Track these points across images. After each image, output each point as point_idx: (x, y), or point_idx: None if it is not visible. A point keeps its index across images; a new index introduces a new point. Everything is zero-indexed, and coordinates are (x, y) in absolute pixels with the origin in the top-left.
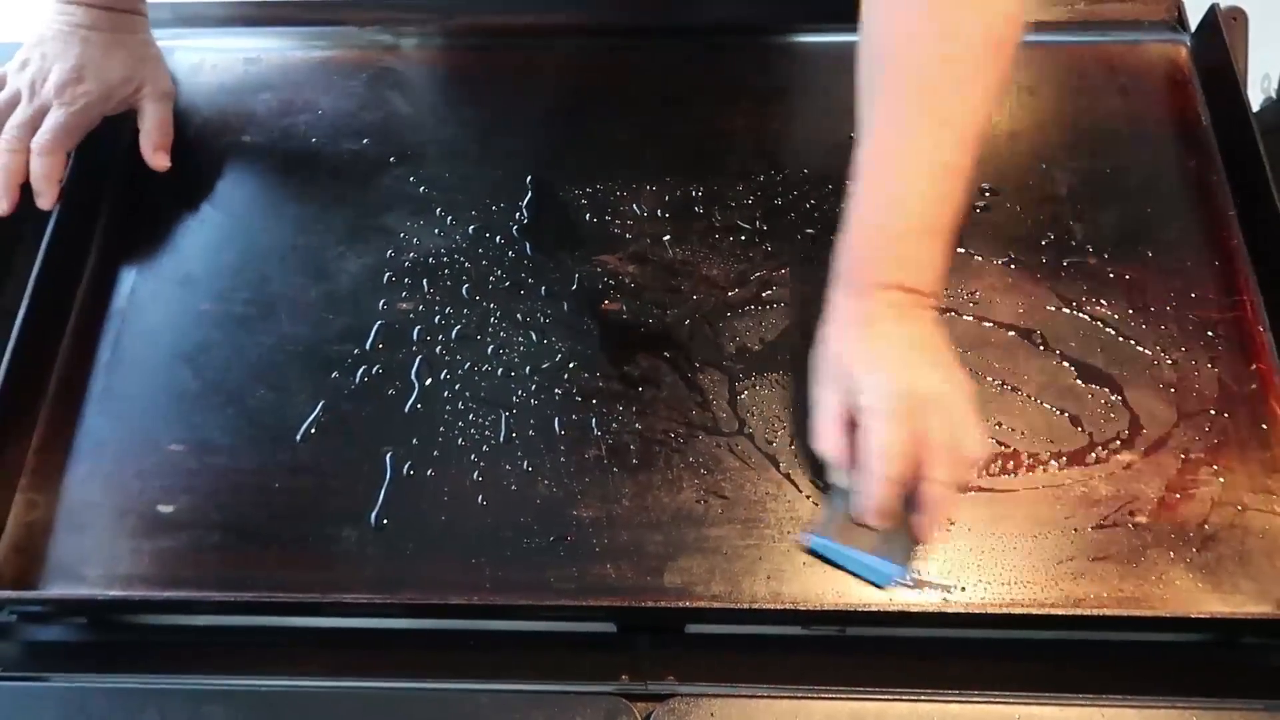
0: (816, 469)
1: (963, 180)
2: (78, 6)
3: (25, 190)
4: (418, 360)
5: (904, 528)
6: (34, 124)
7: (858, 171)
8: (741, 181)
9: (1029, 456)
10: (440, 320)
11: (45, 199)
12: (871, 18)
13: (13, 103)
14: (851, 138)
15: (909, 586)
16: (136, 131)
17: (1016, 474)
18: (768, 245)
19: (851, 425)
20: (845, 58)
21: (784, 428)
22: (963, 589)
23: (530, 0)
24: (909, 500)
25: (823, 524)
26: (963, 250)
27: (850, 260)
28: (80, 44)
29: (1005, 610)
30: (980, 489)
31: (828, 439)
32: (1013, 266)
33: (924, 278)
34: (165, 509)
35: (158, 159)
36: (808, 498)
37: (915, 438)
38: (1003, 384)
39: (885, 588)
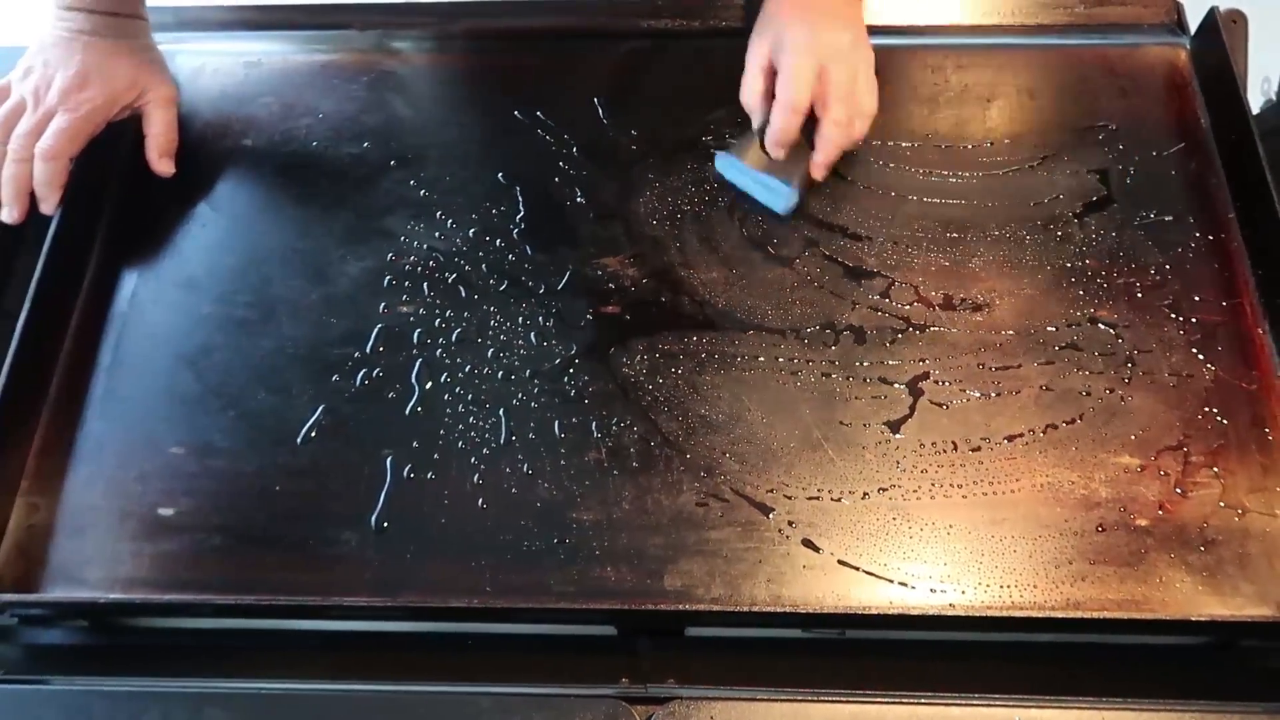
0: (817, 470)
1: None
2: (78, 13)
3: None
4: (418, 363)
5: (801, 163)
6: (39, 132)
7: None
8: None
9: (1029, 459)
10: (440, 323)
11: (48, 204)
12: None
13: (18, 111)
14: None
15: (790, 211)
16: (137, 135)
17: (1016, 476)
18: (769, 247)
19: (771, 75)
20: None
21: (785, 430)
22: (962, 592)
23: (530, 5)
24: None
25: (734, 149)
26: (963, 254)
27: None
28: (83, 50)
29: (1005, 613)
30: (981, 492)
31: (750, 84)
32: (1012, 269)
33: None
34: (166, 512)
35: (163, 164)
36: (810, 499)
37: (821, 78)
38: (1002, 386)
39: (779, 211)
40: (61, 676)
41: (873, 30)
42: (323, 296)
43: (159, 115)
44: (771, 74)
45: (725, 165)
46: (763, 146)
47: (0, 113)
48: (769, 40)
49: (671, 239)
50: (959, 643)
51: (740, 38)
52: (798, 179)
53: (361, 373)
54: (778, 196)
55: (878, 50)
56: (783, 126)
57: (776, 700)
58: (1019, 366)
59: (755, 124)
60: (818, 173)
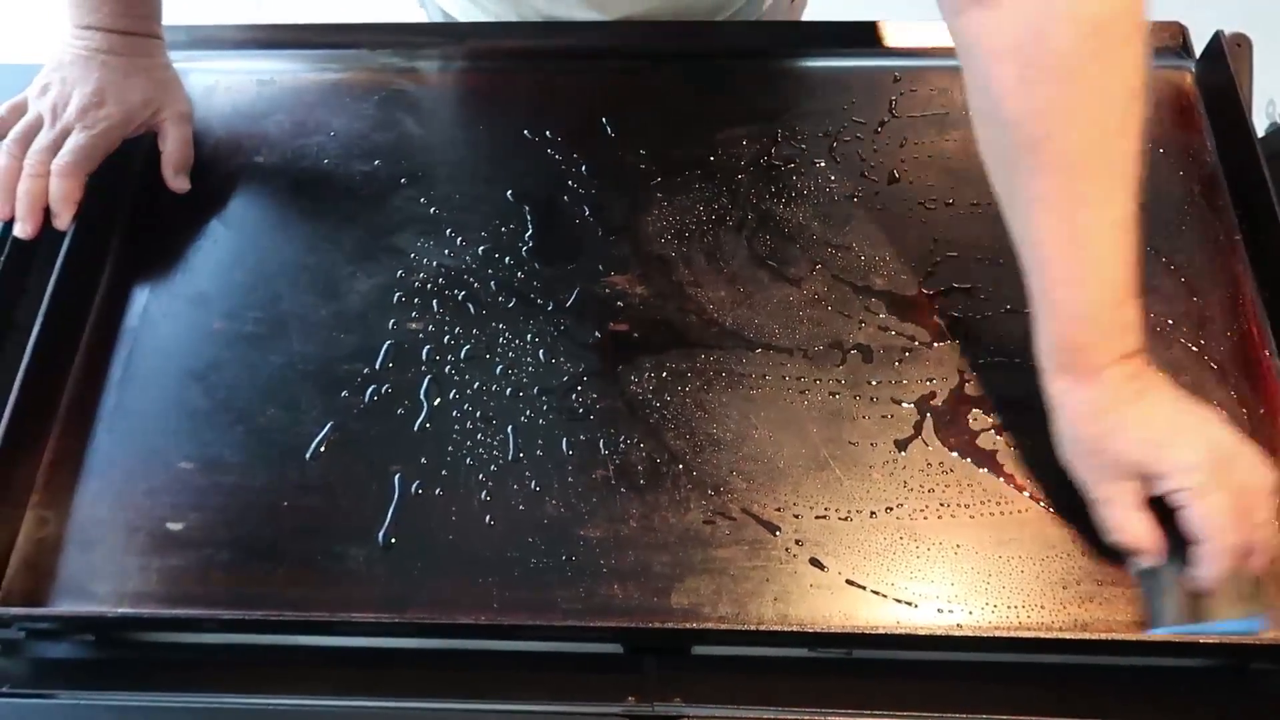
0: (824, 489)
1: (1135, 222)
2: (95, 32)
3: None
4: (427, 380)
5: (1237, 576)
6: (56, 148)
7: (1035, 253)
8: (750, 204)
9: (1037, 479)
10: (449, 340)
11: (62, 220)
12: (994, 89)
13: (35, 127)
14: (859, 153)
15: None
16: (149, 151)
17: (1024, 497)
18: (777, 266)
19: (1148, 508)
20: (851, 81)
21: (792, 449)
22: (970, 612)
23: (540, 24)
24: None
25: (1159, 613)
26: (971, 275)
27: (1066, 348)
28: (99, 68)
29: (1012, 634)
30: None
31: (1139, 531)
32: (1020, 290)
33: (1139, 338)
34: (174, 526)
35: (178, 181)
36: (817, 518)
37: (1232, 494)
38: (1009, 407)
39: (1256, 630)
40: (68, 691)
41: (879, 51)
42: (332, 313)
43: (175, 132)
44: (1148, 501)
45: (1170, 630)
46: (1193, 590)
47: (17, 128)
48: (1119, 475)
49: (679, 257)
50: (966, 663)
51: (753, 58)
52: (1251, 596)
53: (370, 389)
54: (1253, 626)
55: (883, 70)
56: (1224, 568)
57: (783, 719)
58: (1025, 389)
59: (1147, 562)
60: (1264, 574)
